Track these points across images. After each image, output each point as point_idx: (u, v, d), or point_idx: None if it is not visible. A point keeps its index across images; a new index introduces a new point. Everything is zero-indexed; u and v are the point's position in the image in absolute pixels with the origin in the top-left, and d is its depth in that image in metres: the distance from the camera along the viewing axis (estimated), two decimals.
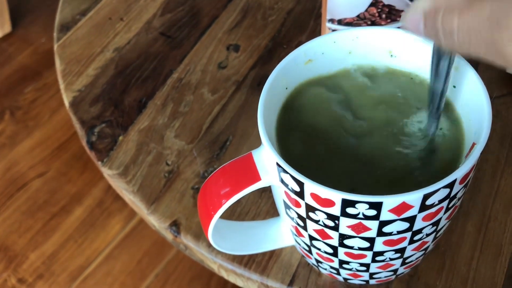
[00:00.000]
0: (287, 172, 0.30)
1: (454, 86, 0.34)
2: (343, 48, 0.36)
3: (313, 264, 0.38)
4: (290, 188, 0.31)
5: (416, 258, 0.35)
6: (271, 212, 0.43)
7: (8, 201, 1.08)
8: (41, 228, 1.04)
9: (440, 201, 0.30)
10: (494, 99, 0.48)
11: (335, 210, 0.30)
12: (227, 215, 0.42)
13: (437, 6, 0.27)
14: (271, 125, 0.34)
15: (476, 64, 0.51)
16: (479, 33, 0.25)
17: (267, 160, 0.32)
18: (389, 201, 0.28)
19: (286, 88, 0.35)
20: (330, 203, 0.29)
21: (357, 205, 0.29)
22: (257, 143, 0.47)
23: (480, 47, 0.26)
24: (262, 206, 0.43)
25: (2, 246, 1.02)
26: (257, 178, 0.32)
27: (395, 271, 0.36)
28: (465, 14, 0.26)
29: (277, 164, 0.30)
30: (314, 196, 0.30)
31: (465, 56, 0.33)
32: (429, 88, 0.33)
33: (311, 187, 0.29)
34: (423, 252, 0.35)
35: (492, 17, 0.25)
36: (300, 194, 0.30)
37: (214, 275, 0.91)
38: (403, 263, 0.35)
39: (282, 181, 0.31)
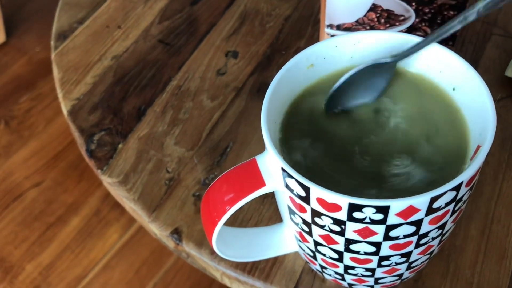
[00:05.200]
0: (292, 177, 0.30)
1: (454, 89, 0.34)
2: (344, 53, 0.36)
3: (317, 270, 0.38)
4: (295, 193, 0.31)
5: (422, 262, 0.35)
6: (274, 218, 0.43)
7: (4, 212, 1.07)
8: (37, 239, 1.03)
9: (447, 204, 0.30)
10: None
11: (342, 215, 0.29)
12: (229, 222, 0.42)
13: None
14: (275, 130, 0.34)
15: (475, 68, 0.51)
16: None
17: (271, 165, 0.31)
18: (397, 205, 0.28)
19: (289, 93, 0.35)
20: (336, 207, 0.29)
21: (364, 209, 0.28)
22: (258, 149, 0.47)
23: None
24: (264, 212, 0.43)
25: None
26: (261, 183, 0.32)
27: (400, 275, 0.35)
28: None
29: (282, 169, 0.30)
30: (320, 201, 0.29)
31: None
32: None
33: (317, 192, 0.29)
34: (429, 256, 0.34)
35: None
36: (306, 199, 0.30)
37: (213, 283, 0.90)
38: (408, 268, 0.34)
39: (287, 186, 0.31)
